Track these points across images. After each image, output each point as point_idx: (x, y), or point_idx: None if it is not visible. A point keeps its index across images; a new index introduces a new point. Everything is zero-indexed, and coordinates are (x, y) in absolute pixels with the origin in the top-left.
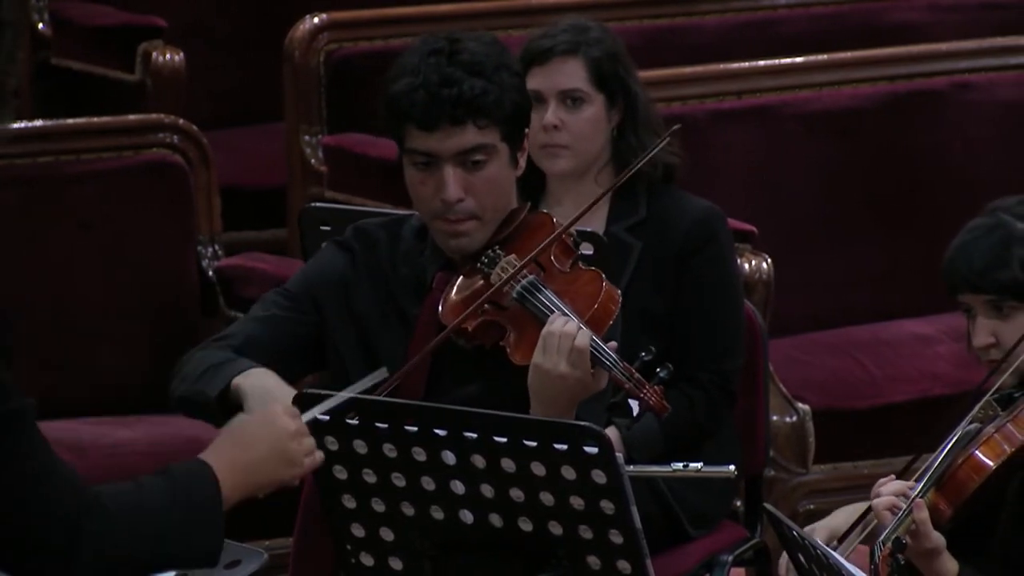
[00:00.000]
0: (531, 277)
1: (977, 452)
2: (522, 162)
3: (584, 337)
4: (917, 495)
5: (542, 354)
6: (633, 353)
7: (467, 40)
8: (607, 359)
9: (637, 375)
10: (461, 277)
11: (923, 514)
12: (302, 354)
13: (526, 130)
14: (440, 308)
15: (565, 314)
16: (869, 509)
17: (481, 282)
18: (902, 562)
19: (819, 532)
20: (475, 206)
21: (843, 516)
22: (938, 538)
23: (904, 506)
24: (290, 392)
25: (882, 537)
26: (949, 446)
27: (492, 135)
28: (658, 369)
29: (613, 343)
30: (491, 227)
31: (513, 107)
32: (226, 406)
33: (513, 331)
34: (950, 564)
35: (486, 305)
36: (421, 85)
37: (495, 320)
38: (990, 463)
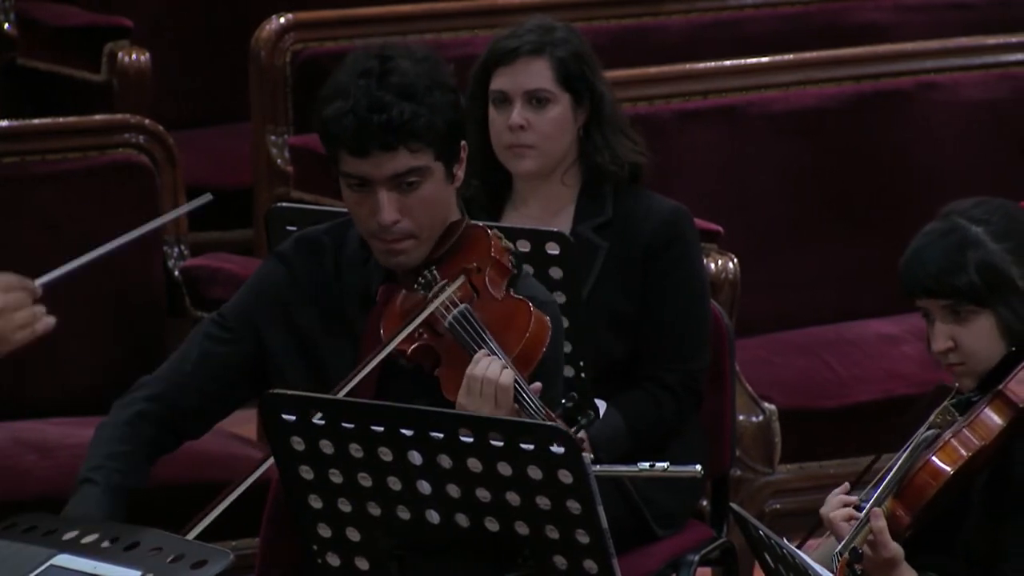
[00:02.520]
0: (462, 307)
1: (934, 458)
2: (459, 174)
3: (508, 377)
4: (873, 503)
5: (466, 395)
6: (597, 355)
7: (399, 58)
8: (529, 405)
9: (558, 422)
10: (403, 292)
11: (880, 523)
12: (242, 381)
13: (462, 142)
14: (382, 326)
15: (492, 351)
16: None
17: (419, 303)
18: (859, 572)
19: None
20: (412, 226)
21: None
22: (896, 548)
23: (861, 515)
24: None
25: (839, 548)
26: (906, 453)
27: (425, 157)
28: (579, 416)
29: (537, 385)
30: (429, 243)
31: (446, 126)
32: None
33: (445, 363)
34: (908, 575)
35: (422, 331)
36: (351, 110)
37: (431, 345)
38: (947, 469)
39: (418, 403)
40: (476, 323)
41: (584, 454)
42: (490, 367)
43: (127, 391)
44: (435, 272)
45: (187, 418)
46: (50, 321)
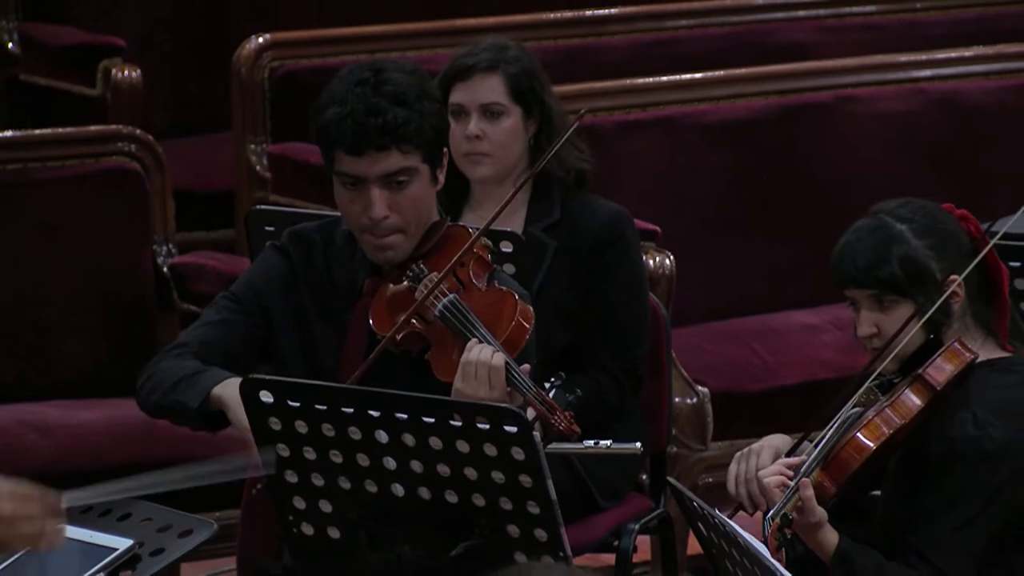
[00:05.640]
0: (451, 296)
1: (859, 434)
2: (441, 177)
3: (500, 359)
4: (803, 474)
5: (462, 381)
6: (545, 343)
7: (391, 70)
8: (521, 384)
9: (549, 399)
10: (390, 285)
11: (808, 491)
12: (253, 350)
13: (445, 149)
14: (371, 316)
15: (483, 337)
16: (802, 439)
17: (407, 294)
18: (789, 536)
19: (765, 450)
20: (400, 221)
21: (780, 438)
22: (821, 512)
23: (792, 484)
24: None
25: (771, 513)
26: (833, 428)
27: (414, 158)
28: (568, 395)
29: (526, 366)
30: (414, 239)
31: (433, 132)
32: (206, 413)
33: (435, 347)
34: (831, 536)
35: (413, 319)
36: (349, 114)
37: (420, 332)
38: (871, 444)
39: (406, 385)
40: (465, 310)
41: (534, 433)
42: (482, 352)
43: (157, 354)
44: (422, 265)
45: None
46: (59, 540)
